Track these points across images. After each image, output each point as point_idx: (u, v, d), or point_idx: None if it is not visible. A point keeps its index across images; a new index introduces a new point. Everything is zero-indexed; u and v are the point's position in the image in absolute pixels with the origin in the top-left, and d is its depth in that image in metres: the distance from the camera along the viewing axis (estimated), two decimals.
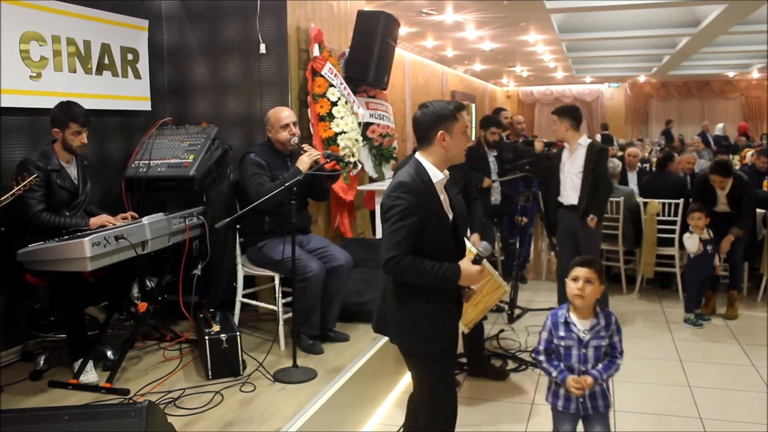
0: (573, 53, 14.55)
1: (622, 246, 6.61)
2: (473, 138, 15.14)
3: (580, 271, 2.87)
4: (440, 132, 2.63)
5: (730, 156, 9.26)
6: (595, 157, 5.18)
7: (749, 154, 10.08)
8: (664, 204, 6.44)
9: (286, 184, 3.77)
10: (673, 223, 6.40)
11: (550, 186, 5.58)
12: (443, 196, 2.72)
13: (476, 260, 2.64)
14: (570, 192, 5.32)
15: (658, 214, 6.44)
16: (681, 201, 6.32)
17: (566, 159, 5.36)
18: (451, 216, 2.75)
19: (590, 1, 8.82)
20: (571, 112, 5.33)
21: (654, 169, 7.51)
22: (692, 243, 5.57)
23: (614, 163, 7.10)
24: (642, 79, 21.40)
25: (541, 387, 4.47)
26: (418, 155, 2.71)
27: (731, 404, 4.18)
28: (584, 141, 5.27)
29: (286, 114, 4.31)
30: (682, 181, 6.99)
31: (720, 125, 16.62)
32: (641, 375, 4.69)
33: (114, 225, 3.72)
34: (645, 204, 6.49)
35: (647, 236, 6.47)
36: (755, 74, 20.00)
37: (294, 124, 4.33)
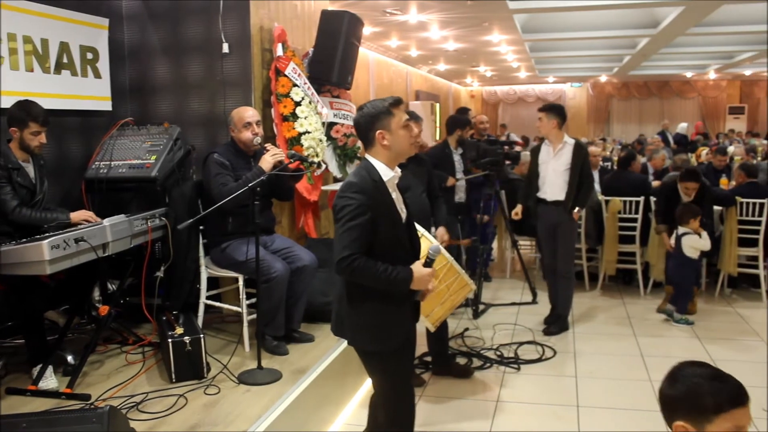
0: (536, 53, 14.70)
1: (585, 244, 6.70)
2: (437, 138, 15.23)
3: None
4: (378, 132, 2.65)
5: (688, 154, 9.43)
6: (584, 154, 5.36)
7: (704, 152, 10.31)
8: (625, 202, 6.55)
9: (250, 185, 3.75)
10: (634, 220, 6.52)
11: (529, 183, 5.66)
12: (395, 195, 2.73)
13: (427, 263, 2.66)
14: (555, 188, 5.41)
15: (619, 212, 6.55)
16: (642, 199, 6.44)
17: (549, 156, 5.45)
18: (404, 215, 2.76)
19: (552, 2, 8.92)
20: (559, 111, 5.43)
21: (615, 167, 7.63)
22: (705, 243, 5.69)
23: None
24: (603, 79, 21.72)
25: (506, 384, 4.52)
26: (367, 155, 2.73)
27: None
28: (569, 139, 5.40)
29: (249, 113, 4.29)
30: (643, 180, 7.11)
31: (683, 124, 16.93)
32: (604, 371, 4.77)
33: (97, 222, 3.67)
34: (607, 202, 6.59)
35: (609, 234, 6.57)
36: (712, 75, 20.47)
37: (257, 123, 4.30)
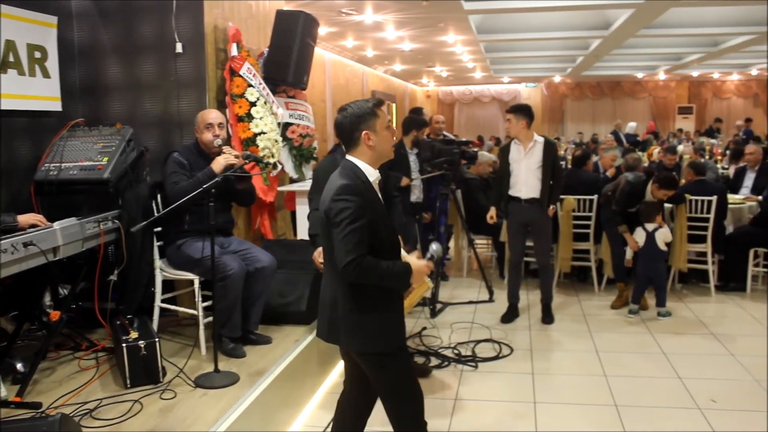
0: (491, 54, 14.84)
1: None
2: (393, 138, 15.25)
3: None
4: (363, 132, 2.63)
5: (639, 153, 9.62)
6: (554, 152, 5.55)
7: (656, 151, 10.55)
8: (579, 200, 6.65)
9: (203, 186, 3.70)
10: (588, 218, 6.62)
11: (501, 183, 5.74)
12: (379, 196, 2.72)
13: (429, 259, 2.68)
14: (529, 186, 5.54)
15: (573, 210, 6.65)
16: (595, 197, 6.55)
17: (520, 155, 5.56)
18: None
19: (507, 3, 9.02)
20: (527, 111, 5.53)
21: (570, 166, 7.74)
22: (669, 234, 5.90)
23: None
24: (557, 79, 22.05)
25: (464, 382, 4.55)
26: (349, 157, 2.69)
27: (644, 391, 4.36)
28: (539, 138, 5.54)
29: (213, 116, 4.32)
30: (596, 179, 7.23)
31: (632, 124, 17.27)
32: (560, 367, 4.84)
33: (47, 225, 3.59)
34: (561, 201, 6.68)
35: (563, 232, 6.66)
36: (662, 76, 20.96)
37: (219, 125, 4.30)
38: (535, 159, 5.50)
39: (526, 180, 5.54)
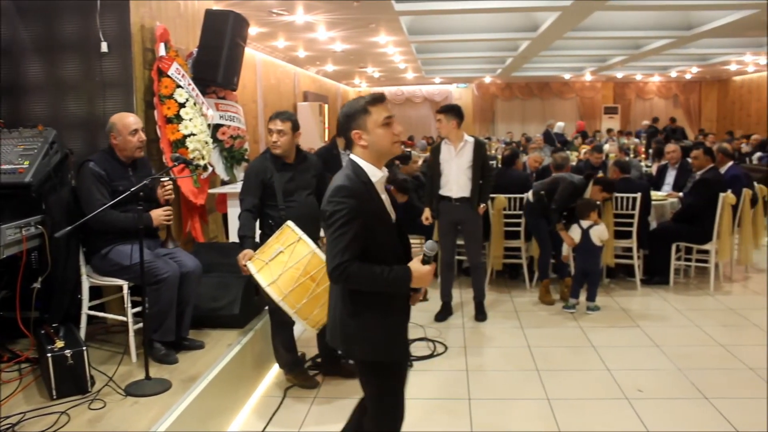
0: (422, 55, 14.97)
1: None
2: (326, 139, 15.20)
3: None
4: (354, 132, 2.57)
5: (568, 152, 9.85)
6: (484, 151, 5.64)
7: (584, 151, 10.84)
8: (510, 199, 6.77)
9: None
10: (519, 216, 6.75)
11: (432, 182, 5.80)
12: (384, 196, 2.64)
13: (425, 261, 2.56)
14: (460, 186, 5.62)
15: (504, 209, 6.76)
16: (525, 196, 6.68)
17: (451, 155, 5.63)
18: (393, 216, 2.68)
19: (437, 4, 9.10)
20: (458, 111, 5.60)
21: (500, 166, 7.88)
22: (605, 231, 6.06)
23: None
24: (488, 80, 22.41)
25: None
26: (352, 156, 2.63)
27: (575, 383, 4.48)
28: (469, 138, 5.63)
29: (133, 119, 4.18)
30: (526, 177, 7.38)
31: (560, 124, 17.68)
32: (494, 363, 4.92)
33: None
34: (492, 199, 6.79)
35: (495, 230, 6.77)
36: (588, 77, 21.58)
37: (142, 129, 4.19)
38: (466, 158, 5.59)
39: (457, 179, 5.62)
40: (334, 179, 2.59)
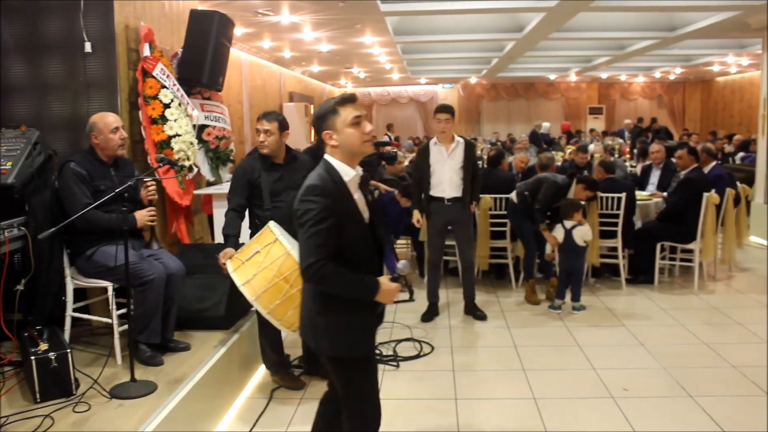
0: (408, 55, 14.98)
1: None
2: (312, 139, 15.18)
3: None
4: (324, 132, 2.61)
5: (553, 152, 9.88)
6: (474, 152, 5.72)
7: (569, 151, 10.89)
8: (495, 199, 6.79)
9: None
10: (505, 216, 6.77)
11: (420, 184, 5.81)
12: (357, 195, 2.66)
13: (395, 279, 2.61)
14: (452, 186, 5.66)
15: (490, 209, 6.78)
16: (511, 196, 6.69)
17: (443, 156, 5.66)
18: (367, 216, 2.69)
19: (423, 5, 9.12)
20: (454, 112, 5.66)
21: (486, 166, 7.89)
22: (590, 231, 6.08)
23: None
24: (473, 80, 22.44)
25: (385, 381, 4.57)
26: (325, 156, 2.66)
27: (561, 383, 4.50)
28: (460, 138, 5.69)
29: (112, 118, 4.15)
30: (512, 178, 7.40)
31: (546, 124, 17.76)
32: (480, 363, 4.94)
33: None
34: (478, 200, 6.79)
35: (481, 230, 6.79)
36: (573, 77, 21.67)
37: (122, 127, 4.17)
38: (458, 159, 5.63)
39: (450, 180, 5.64)
40: (307, 179, 2.62)
